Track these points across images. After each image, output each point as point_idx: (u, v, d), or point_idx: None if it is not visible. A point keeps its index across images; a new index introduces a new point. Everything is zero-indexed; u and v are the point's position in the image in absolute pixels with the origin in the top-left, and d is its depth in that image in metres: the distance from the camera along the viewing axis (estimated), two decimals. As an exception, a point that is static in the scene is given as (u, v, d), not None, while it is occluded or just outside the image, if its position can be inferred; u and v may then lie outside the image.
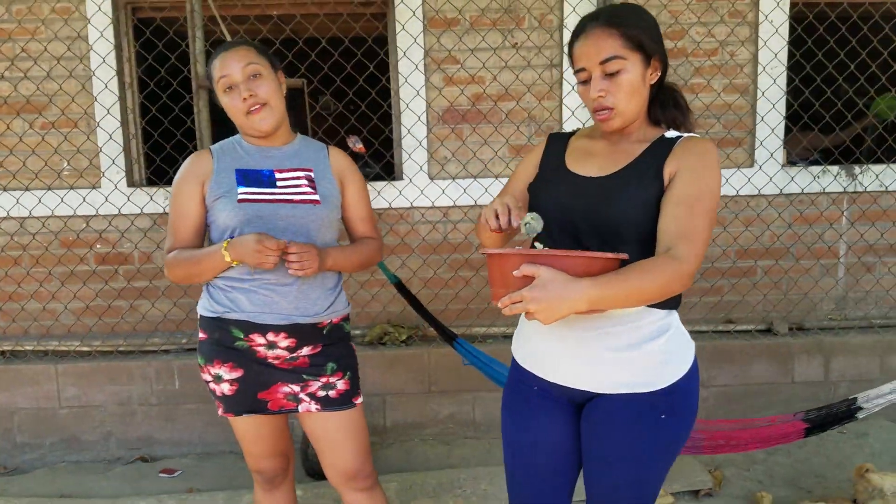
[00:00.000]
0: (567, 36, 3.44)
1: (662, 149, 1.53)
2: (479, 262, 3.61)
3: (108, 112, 3.43)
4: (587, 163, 1.60)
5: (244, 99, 1.87)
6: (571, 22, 3.42)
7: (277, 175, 1.95)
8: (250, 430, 2.03)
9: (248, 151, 1.98)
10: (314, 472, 3.14)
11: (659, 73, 1.55)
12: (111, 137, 3.44)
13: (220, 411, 2.02)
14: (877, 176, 3.58)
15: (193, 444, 3.50)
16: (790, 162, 3.76)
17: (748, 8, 3.49)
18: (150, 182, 3.67)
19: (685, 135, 1.55)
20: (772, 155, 3.56)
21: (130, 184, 3.54)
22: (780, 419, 2.41)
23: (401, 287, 2.96)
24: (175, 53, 3.43)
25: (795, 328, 3.67)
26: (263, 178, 1.94)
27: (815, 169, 3.60)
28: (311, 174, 1.99)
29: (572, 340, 1.53)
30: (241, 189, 1.90)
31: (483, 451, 3.38)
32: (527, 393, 1.67)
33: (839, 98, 3.61)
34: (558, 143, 1.71)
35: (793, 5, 3.52)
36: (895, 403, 2.38)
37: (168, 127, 3.50)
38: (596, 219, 1.51)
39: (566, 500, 1.69)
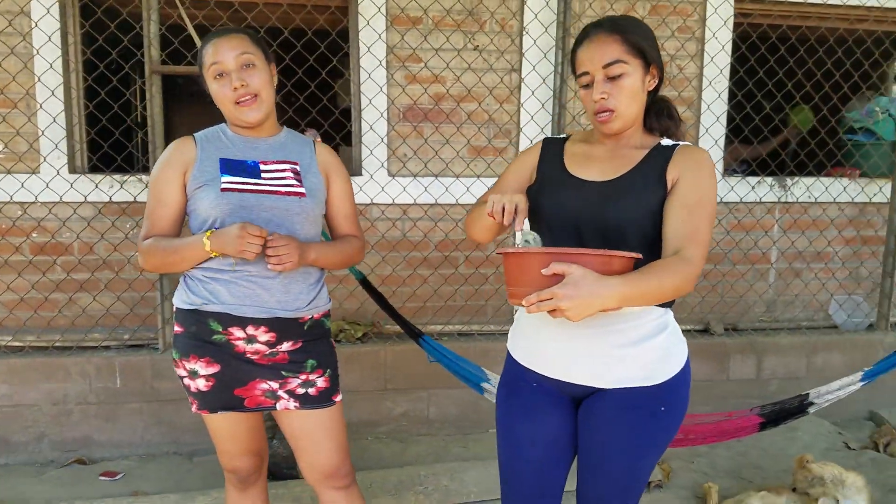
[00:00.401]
0: (527, 42, 3.55)
1: (662, 155, 1.60)
2: (438, 261, 3.65)
3: (53, 94, 3.26)
4: (588, 167, 1.66)
5: (235, 88, 1.82)
6: (533, 28, 3.53)
7: (262, 167, 1.91)
8: (225, 427, 1.97)
9: (233, 141, 1.93)
10: (269, 473, 3.07)
11: (656, 82, 1.63)
12: (54, 121, 3.26)
13: (193, 408, 1.94)
14: (808, 188, 3.87)
15: (135, 445, 3.36)
16: (729, 172, 4.01)
17: (697, 25, 3.70)
18: (95, 169, 3.50)
19: (681, 143, 1.64)
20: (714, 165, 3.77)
21: (73, 170, 3.37)
22: (736, 414, 2.54)
23: (365, 283, 2.96)
24: (129, 36, 3.30)
25: (731, 329, 3.90)
26: (248, 169, 1.89)
27: (753, 179, 3.85)
28: (297, 167, 1.96)
29: (577, 338, 1.57)
30: (225, 178, 1.85)
31: (438, 448, 3.41)
32: (525, 389, 1.70)
33: (777, 113, 3.88)
34: (554, 147, 1.76)
35: (737, 25, 3.76)
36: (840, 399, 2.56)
37: (118, 112, 3.36)
38: (600, 221, 1.56)
39: (561, 490, 1.74)
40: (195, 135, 1.94)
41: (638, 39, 1.57)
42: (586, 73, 1.59)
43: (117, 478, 3.14)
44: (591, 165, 1.66)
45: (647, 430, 1.59)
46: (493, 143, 3.64)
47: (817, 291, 4.03)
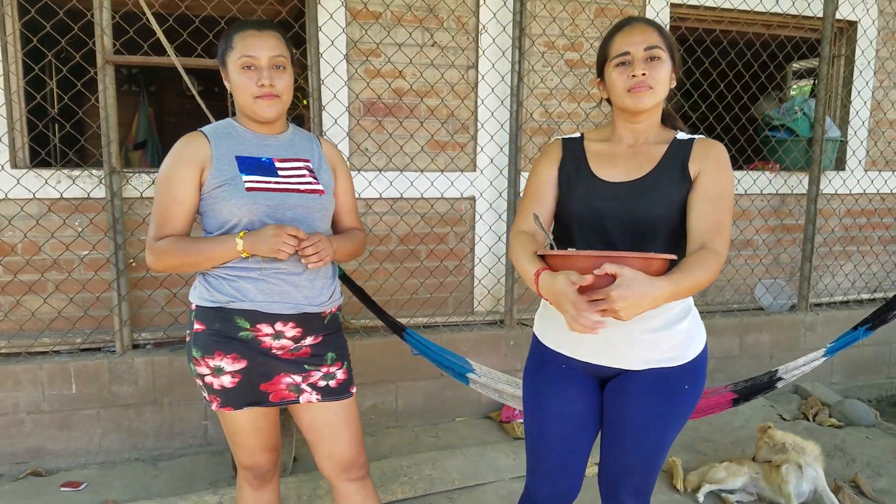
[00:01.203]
0: (486, 40, 3.67)
1: (681, 149, 1.74)
2: (403, 255, 3.72)
3: (-5, 83, 3.08)
4: (613, 167, 1.77)
5: (262, 85, 1.84)
6: (491, 27, 3.66)
7: (277, 164, 1.93)
8: (249, 423, 1.97)
9: (245, 138, 1.93)
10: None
11: (674, 84, 1.78)
12: (-5, 112, 3.09)
13: (214, 406, 1.94)
14: (738, 181, 4.22)
15: (93, 453, 3.24)
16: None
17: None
18: (45, 164, 3.33)
19: (696, 136, 1.78)
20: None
21: (16, 165, 3.20)
22: (711, 391, 2.73)
23: (346, 279, 2.99)
24: (79, 24, 3.16)
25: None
26: (264, 167, 1.91)
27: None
28: (310, 164, 1.99)
29: (609, 323, 1.63)
30: (246, 177, 1.86)
31: (410, 439, 3.49)
32: (554, 370, 1.82)
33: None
34: (574, 148, 1.85)
35: (675, 28, 4.04)
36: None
37: (69, 104, 3.21)
38: (630, 220, 1.69)
39: (585, 462, 1.88)
40: (204, 131, 1.92)
41: (669, 38, 1.73)
42: (626, 53, 1.69)
43: (81, 488, 3.02)
44: (616, 165, 1.77)
45: (674, 407, 1.73)
46: (456, 138, 3.74)
47: (747, 276, 4.40)
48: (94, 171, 3.24)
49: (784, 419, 3.84)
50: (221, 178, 1.85)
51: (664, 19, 3.95)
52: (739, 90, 4.24)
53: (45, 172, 3.18)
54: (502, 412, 3.68)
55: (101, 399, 3.22)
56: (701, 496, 2.89)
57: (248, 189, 1.84)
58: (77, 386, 3.19)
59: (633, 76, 1.69)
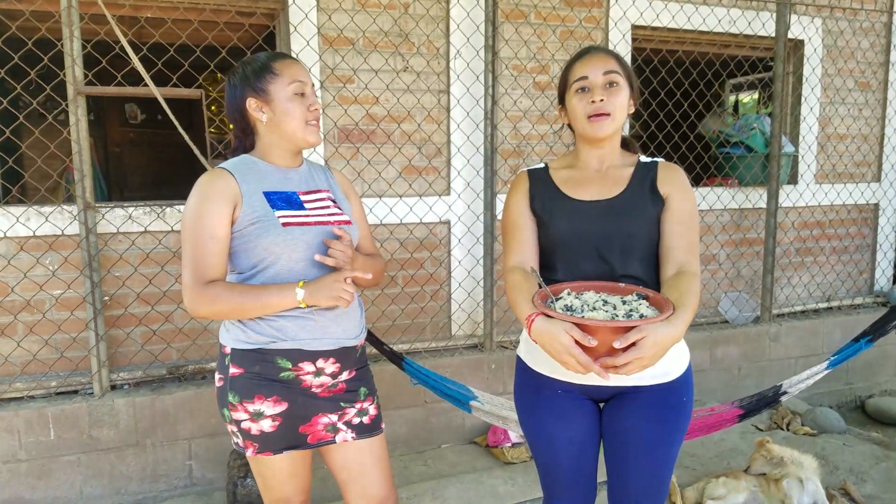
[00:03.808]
0: (460, 64, 3.86)
1: (647, 171, 1.95)
2: (384, 281, 3.85)
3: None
4: (585, 189, 1.94)
5: (314, 109, 1.97)
6: (465, 52, 3.85)
7: (302, 197, 2.01)
8: (287, 467, 2.02)
9: (268, 172, 1.99)
10: (242, 511, 3.13)
11: (632, 110, 1.97)
12: (-36, 148, 3.09)
13: (250, 452, 1.97)
14: (703, 197, 4.53)
15: (73, 500, 3.25)
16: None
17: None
18: (15, 201, 3.33)
19: (657, 160, 1.99)
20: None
21: (-17, 202, 3.20)
22: (718, 408, 2.94)
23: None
24: (49, 54, 3.18)
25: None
26: (291, 201, 1.97)
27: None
28: (330, 195, 2.09)
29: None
30: (279, 213, 1.92)
31: (400, 468, 3.61)
32: (552, 396, 1.96)
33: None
34: (541, 177, 2.00)
35: (640, 51, 4.33)
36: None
37: (40, 138, 3.23)
38: (615, 236, 1.87)
39: (596, 472, 2.03)
40: (226, 167, 1.96)
41: (627, 67, 1.94)
42: (585, 78, 1.88)
43: (65, 538, 3.04)
44: (588, 187, 1.94)
45: (677, 421, 1.91)
46: (432, 162, 3.91)
47: (713, 290, 4.72)
48: (66, 207, 3.27)
49: (759, 429, 4.14)
50: (254, 216, 1.90)
51: (627, 41, 4.23)
52: (687, 108, 4.54)
53: (16, 210, 3.19)
54: (488, 437, 3.84)
55: (80, 444, 3.23)
56: (703, 513, 3.10)
57: (285, 225, 1.90)
58: (55, 431, 3.19)
59: (593, 102, 1.86)
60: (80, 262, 3.27)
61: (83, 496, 3.26)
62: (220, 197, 1.89)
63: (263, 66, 1.96)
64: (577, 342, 1.56)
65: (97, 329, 3.26)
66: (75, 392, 3.34)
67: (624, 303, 1.71)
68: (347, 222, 2.05)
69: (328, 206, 2.04)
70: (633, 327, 1.54)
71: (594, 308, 1.68)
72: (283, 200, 1.97)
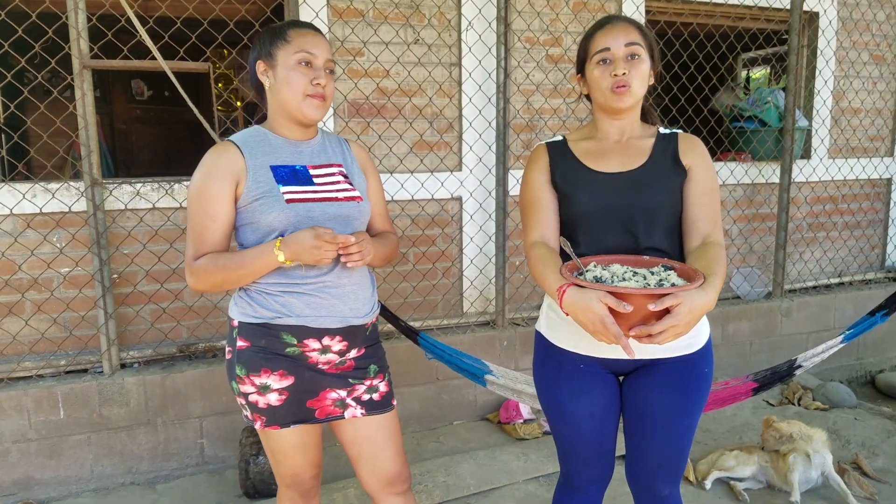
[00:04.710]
0: (472, 36, 3.81)
1: (668, 142, 1.94)
2: (396, 258, 3.83)
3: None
4: (607, 161, 1.93)
5: (316, 83, 1.90)
6: (477, 24, 3.80)
7: (312, 171, 1.98)
8: (295, 442, 2.02)
9: (278, 145, 1.97)
10: (255, 490, 3.13)
11: (653, 81, 1.95)
12: (-32, 123, 3.05)
13: (258, 425, 1.97)
14: (718, 171, 4.50)
15: (85, 479, 3.25)
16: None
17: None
18: (22, 178, 3.29)
19: (676, 131, 1.98)
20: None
21: (-12, 179, 3.17)
22: (733, 381, 2.96)
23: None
24: (53, 27, 3.13)
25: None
26: (299, 175, 1.95)
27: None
28: (343, 169, 2.05)
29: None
30: (284, 188, 1.90)
31: (413, 445, 3.62)
32: (573, 371, 1.96)
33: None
34: (560, 150, 1.97)
35: (654, 23, 4.28)
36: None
37: (45, 113, 3.19)
38: (639, 207, 1.85)
39: (615, 446, 2.03)
40: (234, 140, 1.94)
41: (649, 37, 1.90)
42: (607, 49, 1.85)
43: (78, 518, 3.05)
44: (609, 158, 1.92)
45: (699, 392, 1.91)
46: (445, 137, 3.88)
47: (726, 266, 4.70)
48: (73, 184, 3.23)
49: (771, 404, 4.16)
50: (258, 191, 1.89)
51: (641, 13, 4.18)
52: (701, 82, 4.50)
53: (22, 186, 3.15)
54: (500, 413, 3.85)
55: (91, 423, 3.23)
56: (708, 483, 3.13)
57: (289, 201, 1.88)
58: (65, 411, 3.19)
59: (615, 75, 1.84)
60: (88, 240, 3.25)
61: (94, 475, 3.27)
62: (222, 174, 1.89)
63: (278, 32, 1.93)
64: (610, 311, 1.55)
65: (106, 307, 3.25)
66: (85, 371, 3.33)
67: (652, 273, 1.70)
68: (357, 199, 2.01)
69: (338, 182, 2.01)
70: (667, 294, 1.53)
71: (623, 279, 1.67)
72: (290, 175, 1.95)
